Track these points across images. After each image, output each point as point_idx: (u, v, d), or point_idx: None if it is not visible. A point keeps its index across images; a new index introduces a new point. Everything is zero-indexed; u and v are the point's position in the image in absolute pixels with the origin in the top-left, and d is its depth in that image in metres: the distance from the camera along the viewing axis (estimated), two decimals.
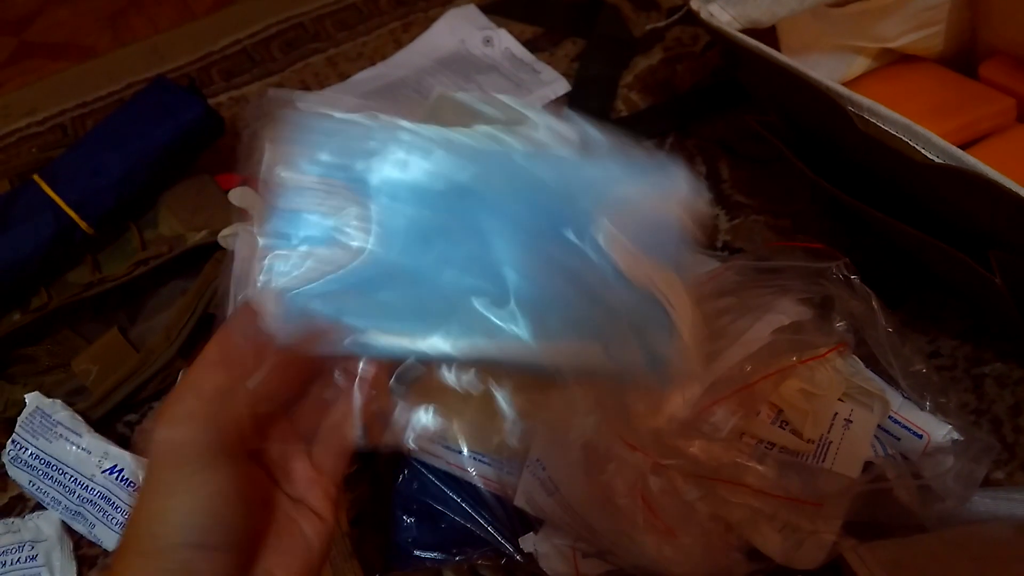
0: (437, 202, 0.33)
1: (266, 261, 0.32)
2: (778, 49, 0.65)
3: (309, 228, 0.32)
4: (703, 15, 0.60)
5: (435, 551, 0.52)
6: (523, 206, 0.33)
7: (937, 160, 0.47)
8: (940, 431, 0.51)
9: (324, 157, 0.32)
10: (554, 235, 0.33)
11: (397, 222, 0.32)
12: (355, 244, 0.32)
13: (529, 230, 0.33)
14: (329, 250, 0.32)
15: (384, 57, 0.89)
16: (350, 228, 0.32)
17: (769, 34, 0.65)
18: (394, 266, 0.32)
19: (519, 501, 0.50)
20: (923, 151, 0.48)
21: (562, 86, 0.82)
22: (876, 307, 0.52)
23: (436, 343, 0.33)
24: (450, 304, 0.33)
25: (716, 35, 0.60)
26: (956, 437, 0.50)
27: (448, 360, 0.34)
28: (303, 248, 0.32)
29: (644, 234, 0.34)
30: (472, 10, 0.90)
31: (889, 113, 0.49)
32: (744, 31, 0.62)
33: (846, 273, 0.52)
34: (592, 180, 0.34)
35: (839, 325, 0.52)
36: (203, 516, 0.30)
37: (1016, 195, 0.44)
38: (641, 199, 0.34)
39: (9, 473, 0.59)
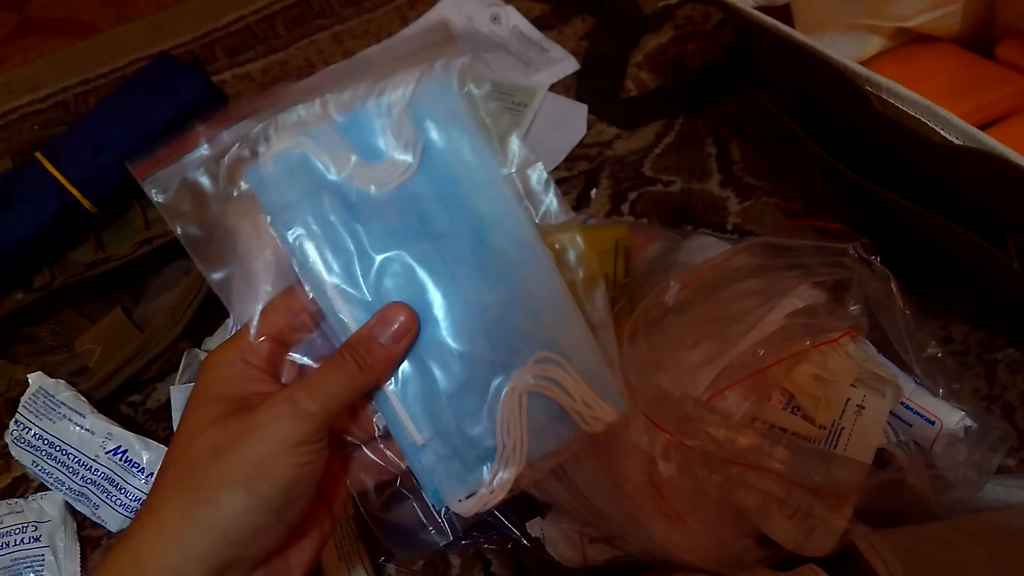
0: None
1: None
2: (792, 27, 0.64)
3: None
4: None
5: (441, 534, 0.52)
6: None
7: (957, 142, 0.46)
8: (953, 418, 0.50)
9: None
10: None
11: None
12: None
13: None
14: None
15: (390, 34, 0.88)
16: None
17: (783, 12, 0.64)
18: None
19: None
20: (943, 132, 0.47)
21: (571, 64, 0.81)
22: (895, 289, 0.51)
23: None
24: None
25: (731, 13, 0.59)
26: (969, 424, 0.50)
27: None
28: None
29: None
30: None
31: (908, 93, 0.48)
32: (759, 8, 0.60)
33: (865, 254, 0.51)
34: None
35: (853, 308, 0.51)
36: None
37: None
38: None
39: (12, 453, 0.59)
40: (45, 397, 0.59)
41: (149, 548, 0.31)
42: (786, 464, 0.43)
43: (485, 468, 0.36)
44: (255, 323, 0.36)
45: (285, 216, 0.36)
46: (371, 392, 0.36)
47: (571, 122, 0.76)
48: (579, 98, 0.78)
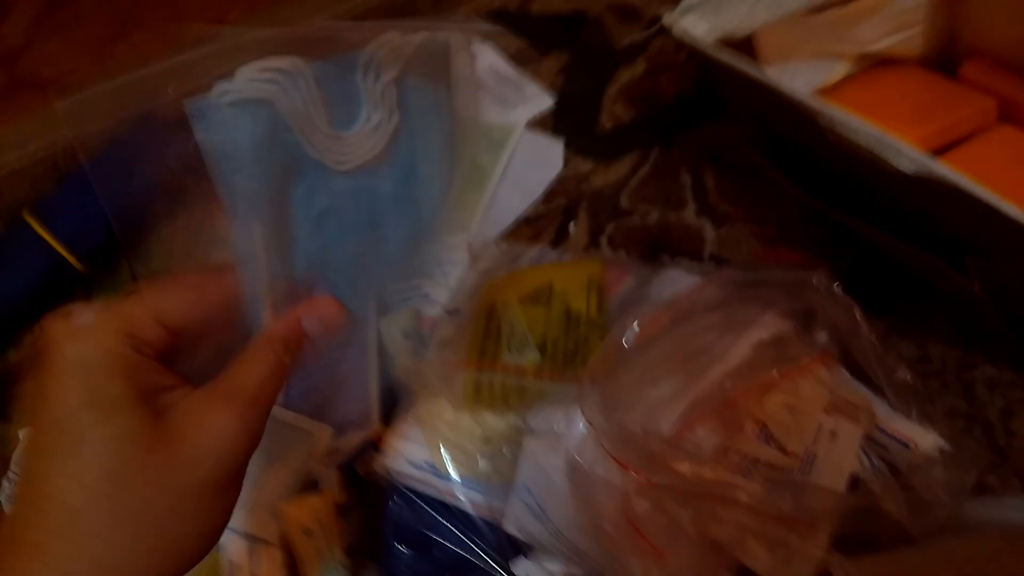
0: None
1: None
2: (756, 58, 0.65)
3: None
4: (675, 30, 0.60)
5: None
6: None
7: (909, 169, 0.47)
8: (927, 440, 0.51)
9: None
10: None
11: None
12: None
13: None
14: None
15: None
16: None
17: (748, 43, 0.65)
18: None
19: (508, 526, 0.50)
20: (894, 161, 0.48)
21: (546, 101, 0.82)
22: (858, 316, 0.51)
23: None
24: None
25: (689, 50, 0.60)
26: (943, 446, 0.50)
27: None
28: None
29: None
30: None
31: (859, 124, 0.49)
32: (719, 41, 0.62)
33: (827, 283, 0.52)
34: None
35: (821, 336, 0.52)
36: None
37: (987, 203, 0.44)
38: None
39: (5, 510, 0.60)
40: None
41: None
42: (754, 495, 0.43)
43: None
44: (156, 301, 0.30)
45: (231, 171, 0.32)
46: None
47: (548, 158, 0.77)
48: (555, 133, 0.79)
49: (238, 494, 0.30)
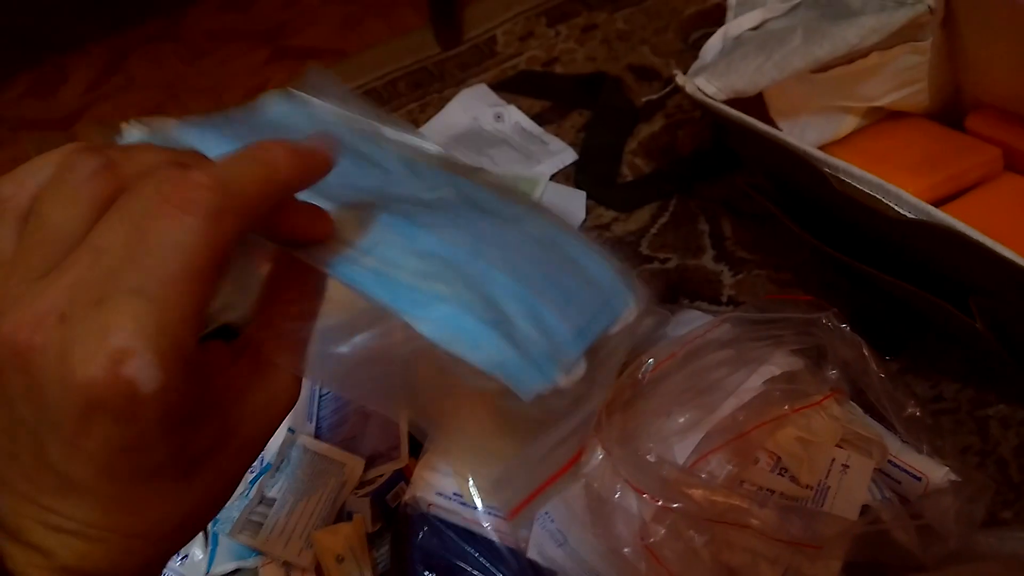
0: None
1: None
2: (768, 113, 0.69)
3: None
4: (688, 89, 0.64)
5: None
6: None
7: (910, 216, 0.50)
8: (938, 473, 0.52)
9: None
10: None
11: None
12: None
13: None
14: None
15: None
16: None
17: (759, 99, 0.69)
18: None
19: (531, 553, 0.52)
20: (896, 207, 0.51)
21: (569, 155, 0.86)
22: (867, 354, 0.54)
23: None
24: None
25: (702, 107, 0.64)
26: (954, 478, 0.52)
27: None
28: None
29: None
30: (483, 89, 0.96)
31: (862, 173, 0.52)
32: (732, 100, 0.65)
33: (836, 322, 0.55)
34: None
35: (832, 373, 0.54)
36: None
37: (985, 247, 0.46)
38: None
39: None
40: None
41: None
42: (767, 521, 0.45)
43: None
44: None
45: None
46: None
47: (571, 208, 0.81)
48: (578, 185, 0.83)
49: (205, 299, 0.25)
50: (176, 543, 0.28)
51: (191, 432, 0.26)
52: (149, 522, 0.26)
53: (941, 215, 0.49)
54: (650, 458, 0.45)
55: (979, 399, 0.62)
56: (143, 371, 0.22)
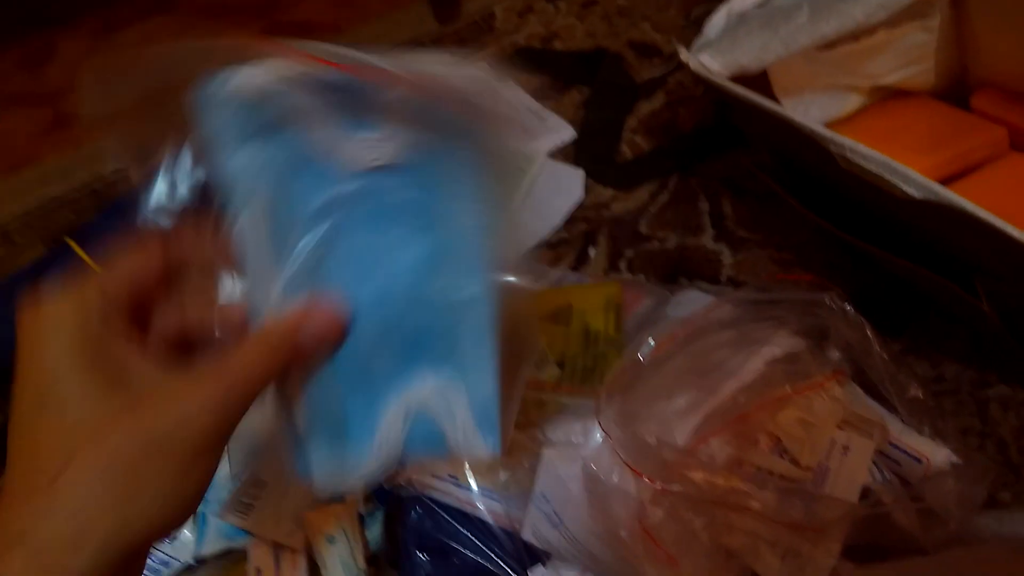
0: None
1: None
2: (772, 91, 0.67)
3: None
4: (693, 65, 0.62)
5: None
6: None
7: (917, 195, 0.49)
8: (940, 455, 0.52)
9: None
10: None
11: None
12: None
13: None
14: None
15: None
16: None
17: (763, 77, 0.68)
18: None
19: (526, 534, 0.52)
20: (902, 186, 0.49)
21: (568, 132, 0.85)
22: (870, 335, 0.53)
23: None
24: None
25: (705, 84, 0.63)
26: (955, 460, 0.51)
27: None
28: None
29: None
30: (481, 64, 0.94)
31: (869, 152, 0.51)
32: (736, 77, 0.64)
33: (839, 303, 0.54)
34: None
35: (834, 354, 0.53)
36: None
37: (992, 226, 0.45)
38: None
39: None
40: None
41: (61, 549, 0.28)
42: (768, 503, 0.44)
43: (356, 457, 0.36)
44: (119, 271, 0.32)
45: (230, 145, 0.33)
46: None
47: (569, 186, 0.80)
48: (576, 163, 0.82)
49: (209, 466, 0.31)
50: None
51: None
52: None
53: (949, 194, 0.48)
54: (650, 440, 0.44)
55: (980, 380, 0.61)
56: None
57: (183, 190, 0.35)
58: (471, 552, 0.53)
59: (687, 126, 0.83)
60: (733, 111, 0.68)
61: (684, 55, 0.64)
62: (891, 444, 0.52)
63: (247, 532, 0.57)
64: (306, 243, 0.34)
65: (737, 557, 0.47)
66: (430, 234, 0.35)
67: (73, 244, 0.72)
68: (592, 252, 0.75)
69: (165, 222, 0.35)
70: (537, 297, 0.63)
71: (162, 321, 0.34)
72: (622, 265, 0.73)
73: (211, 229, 0.34)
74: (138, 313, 0.33)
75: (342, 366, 0.35)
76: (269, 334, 0.33)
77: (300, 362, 0.34)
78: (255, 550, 0.56)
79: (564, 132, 0.85)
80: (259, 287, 0.34)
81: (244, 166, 0.33)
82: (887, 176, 0.51)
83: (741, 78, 0.64)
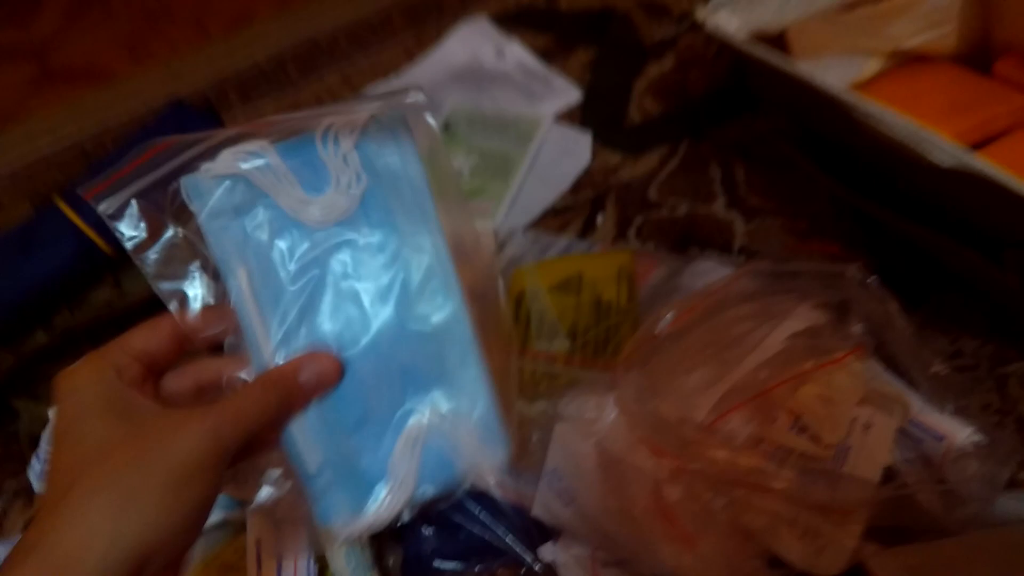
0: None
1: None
2: (788, 52, 0.65)
3: None
4: (708, 25, 0.60)
5: (454, 561, 0.52)
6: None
7: (946, 163, 0.47)
8: (962, 433, 0.50)
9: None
10: None
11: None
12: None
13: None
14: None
15: (397, 71, 0.90)
16: None
17: (780, 38, 0.65)
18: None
19: (537, 511, 0.50)
20: (931, 154, 0.47)
21: (574, 95, 0.82)
22: (894, 309, 0.51)
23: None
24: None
25: (723, 45, 0.60)
26: (978, 439, 0.50)
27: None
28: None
29: None
30: (483, 23, 0.91)
31: (896, 118, 0.49)
32: (752, 37, 0.61)
33: (863, 275, 0.52)
34: None
35: (856, 329, 0.52)
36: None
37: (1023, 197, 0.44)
38: None
39: (35, 488, 0.60)
40: None
41: (70, 552, 0.31)
42: (789, 483, 0.43)
43: (371, 499, 0.39)
44: (132, 342, 0.37)
45: (217, 228, 0.37)
46: None
47: (576, 150, 0.77)
48: (584, 126, 0.79)
49: (202, 490, 0.34)
50: None
51: None
52: None
53: (980, 163, 0.46)
54: (670, 417, 0.42)
55: (999, 356, 0.59)
56: None
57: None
58: (477, 527, 0.52)
59: (698, 90, 0.80)
60: (750, 74, 0.65)
61: (701, 13, 0.62)
62: (912, 422, 0.51)
63: (245, 503, 0.55)
64: (291, 303, 0.38)
65: (756, 538, 0.46)
66: (398, 267, 0.39)
67: (62, 205, 0.69)
68: (600, 219, 0.72)
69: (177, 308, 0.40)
70: (544, 266, 0.61)
71: (176, 380, 0.39)
72: (630, 233, 0.71)
73: (215, 307, 0.39)
74: (154, 373, 0.38)
75: (344, 412, 0.39)
76: (264, 378, 0.38)
77: (302, 401, 0.38)
78: (254, 521, 0.54)
79: (570, 94, 0.82)
80: (256, 348, 0.38)
81: (229, 241, 0.38)
82: (915, 143, 0.49)
83: (758, 40, 0.61)
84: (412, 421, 0.39)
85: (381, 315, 0.39)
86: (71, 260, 0.68)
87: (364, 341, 0.38)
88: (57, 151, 0.91)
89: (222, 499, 0.56)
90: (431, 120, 0.42)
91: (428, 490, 0.40)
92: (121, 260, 0.71)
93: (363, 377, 0.38)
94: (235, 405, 0.36)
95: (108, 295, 0.69)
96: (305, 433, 0.38)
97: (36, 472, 0.60)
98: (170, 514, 0.33)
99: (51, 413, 0.61)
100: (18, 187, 0.86)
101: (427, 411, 0.39)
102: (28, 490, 0.63)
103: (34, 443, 0.61)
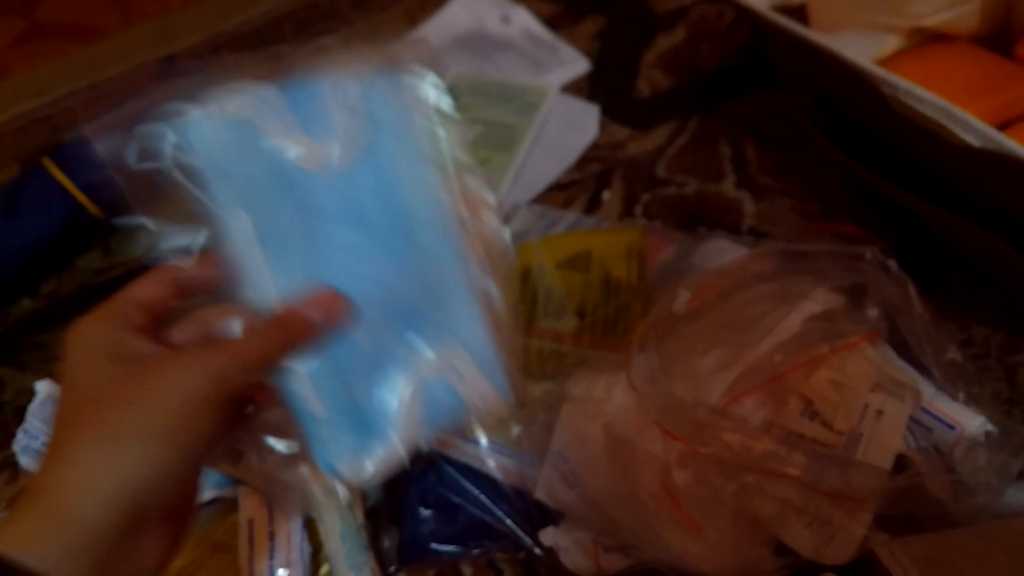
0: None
1: None
2: (807, 26, 0.63)
3: None
4: None
5: (452, 544, 0.51)
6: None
7: (975, 144, 0.45)
8: (973, 422, 0.49)
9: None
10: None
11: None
12: None
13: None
14: None
15: (398, 36, 0.87)
16: None
17: (798, 12, 0.63)
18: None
19: (539, 494, 0.49)
20: (961, 134, 0.46)
21: (582, 65, 0.80)
22: (913, 293, 0.50)
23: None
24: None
25: (745, 13, 0.58)
26: (990, 429, 0.49)
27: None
28: None
29: None
30: None
31: (926, 95, 0.47)
32: (774, 8, 0.59)
33: (882, 258, 0.50)
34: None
35: (871, 313, 0.50)
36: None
37: None
38: None
39: (20, 462, 0.58)
40: (53, 405, 0.58)
41: (67, 496, 0.31)
42: (802, 470, 0.42)
43: (378, 441, 0.38)
44: (136, 293, 0.36)
45: (218, 171, 0.36)
46: None
47: (583, 123, 0.75)
48: (591, 99, 0.77)
49: (201, 427, 0.33)
50: None
51: None
52: None
53: (1013, 145, 0.44)
54: (684, 399, 0.41)
55: (1010, 344, 0.58)
56: None
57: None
58: (477, 509, 0.51)
59: (709, 64, 0.78)
60: (769, 46, 0.63)
61: None
62: (923, 410, 0.50)
63: (238, 481, 0.53)
64: (293, 246, 0.37)
65: (763, 525, 0.45)
66: (400, 214, 0.38)
67: (51, 165, 0.67)
68: (606, 195, 0.70)
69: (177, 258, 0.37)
70: (551, 241, 0.59)
71: (183, 330, 0.37)
72: (637, 210, 0.69)
73: (216, 253, 0.37)
74: (160, 322, 0.37)
75: (349, 357, 0.38)
76: (271, 318, 0.36)
77: (310, 341, 0.36)
78: (246, 500, 0.53)
79: (578, 65, 0.80)
80: (260, 291, 0.37)
81: (230, 185, 0.36)
82: (943, 121, 0.48)
83: (779, 10, 0.59)
84: (416, 363, 0.39)
85: (383, 260, 0.38)
86: (59, 222, 0.66)
87: (367, 285, 0.38)
88: (44, 109, 0.88)
89: (214, 476, 0.54)
90: (435, 79, 0.40)
91: (433, 430, 0.39)
92: (111, 225, 0.69)
93: (367, 320, 0.38)
94: (239, 344, 0.35)
95: (97, 261, 0.67)
96: (312, 378, 0.37)
97: (22, 446, 0.58)
98: (170, 450, 0.32)
99: (38, 386, 0.59)
100: (4, 146, 0.83)
101: (431, 352, 0.39)
102: (14, 464, 0.61)
103: (20, 416, 0.59)
